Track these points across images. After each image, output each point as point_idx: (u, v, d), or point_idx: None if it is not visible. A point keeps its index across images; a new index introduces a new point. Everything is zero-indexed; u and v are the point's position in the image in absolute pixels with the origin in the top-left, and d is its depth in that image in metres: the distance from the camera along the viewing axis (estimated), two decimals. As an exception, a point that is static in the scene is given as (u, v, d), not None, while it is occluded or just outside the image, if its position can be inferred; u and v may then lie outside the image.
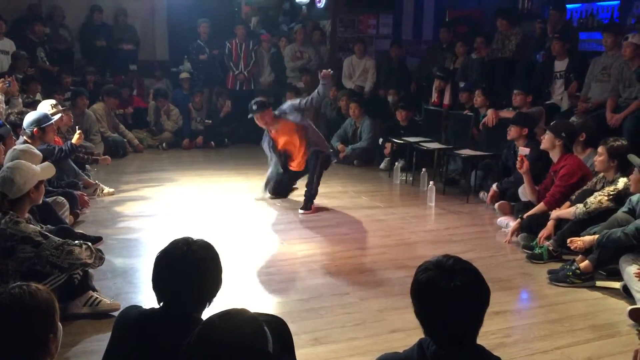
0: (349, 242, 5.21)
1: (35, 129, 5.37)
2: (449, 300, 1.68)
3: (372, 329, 3.60)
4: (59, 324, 1.76)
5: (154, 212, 5.97)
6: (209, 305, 2.17)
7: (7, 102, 6.49)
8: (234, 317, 1.56)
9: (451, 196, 6.75)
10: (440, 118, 7.94)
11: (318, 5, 10.52)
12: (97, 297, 3.65)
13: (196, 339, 1.53)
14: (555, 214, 4.85)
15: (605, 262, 4.23)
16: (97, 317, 3.59)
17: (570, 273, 4.27)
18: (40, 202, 3.66)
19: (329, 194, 6.85)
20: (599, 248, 4.16)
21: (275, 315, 1.81)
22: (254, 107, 6.11)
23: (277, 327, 1.74)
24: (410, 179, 7.43)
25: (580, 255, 4.34)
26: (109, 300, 3.70)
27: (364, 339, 3.47)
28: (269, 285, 4.31)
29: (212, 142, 9.56)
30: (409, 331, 3.47)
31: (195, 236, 2.22)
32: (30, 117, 5.46)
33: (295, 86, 9.56)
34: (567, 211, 4.73)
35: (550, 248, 4.72)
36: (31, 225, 3.39)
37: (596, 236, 4.19)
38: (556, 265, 4.54)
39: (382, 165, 8.18)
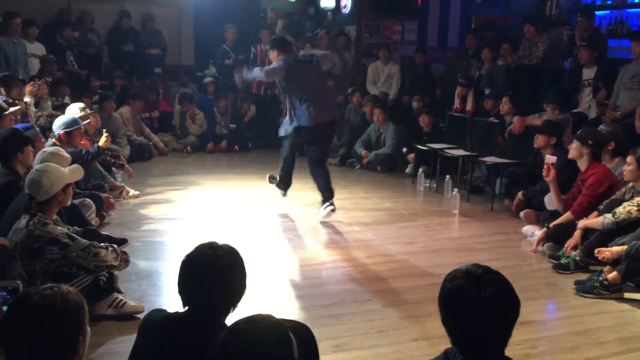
0: (371, 249, 5.19)
1: (62, 133, 5.46)
2: (478, 310, 1.65)
3: (394, 336, 3.58)
4: (88, 326, 1.78)
5: (178, 215, 6.01)
6: (233, 310, 2.18)
7: (36, 105, 6.61)
8: (259, 323, 1.56)
9: (475, 204, 6.69)
10: (464, 125, 7.89)
11: (343, 10, 10.53)
12: (122, 299, 3.69)
13: (222, 344, 1.53)
14: (582, 223, 4.78)
15: (634, 274, 4.14)
16: (121, 318, 3.62)
17: (598, 284, 4.20)
18: (68, 204, 3.71)
19: (352, 199, 6.85)
20: (628, 259, 4.09)
21: (300, 322, 1.81)
22: (273, 43, 6.08)
23: (302, 334, 1.74)
24: (434, 185, 7.38)
25: (608, 266, 4.26)
26: (133, 303, 3.73)
27: (386, 346, 3.45)
28: (291, 290, 4.31)
29: (236, 147, 9.62)
30: (432, 340, 3.45)
31: (219, 240, 2.23)
32: (59, 120, 5.55)
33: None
34: (594, 221, 4.65)
35: (577, 258, 4.65)
36: (59, 227, 3.44)
37: (625, 247, 4.13)
38: (583, 276, 4.47)
39: (407, 170, 8.15)
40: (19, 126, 5.11)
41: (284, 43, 6.10)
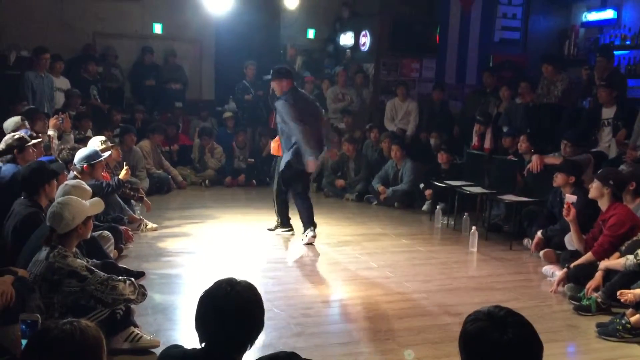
0: (388, 286, 5.14)
1: (85, 165, 5.54)
2: (500, 353, 1.62)
3: (412, 377, 3.52)
4: (106, 361, 1.78)
5: (196, 248, 6.03)
6: (250, 347, 2.16)
7: (59, 138, 6.73)
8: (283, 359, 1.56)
9: (494, 242, 6.63)
10: (483, 162, 7.87)
11: (362, 48, 10.68)
12: (138, 333, 3.67)
13: None
14: (604, 264, 4.70)
15: (658, 317, 4.06)
16: (137, 353, 3.61)
17: (620, 327, 4.10)
18: (88, 237, 3.74)
19: (369, 235, 6.82)
20: (651, 302, 4.00)
21: None
22: (271, 73, 6.27)
23: None
24: (452, 223, 7.33)
25: (630, 309, 4.17)
26: (149, 337, 3.71)
27: (403, 387, 3.40)
28: (307, 327, 4.26)
29: (254, 181, 9.67)
30: (450, 381, 3.39)
31: (236, 275, 2.23)
32: (81, 153, 5.63)
33: (337, 127, 9.65)
34: (616, 262, 4.58)
35: (599, 300, 4.56)
36: (78, 260, 3.46)
37: (648, 289, 4.05)
38: (605, 318, 4.37)
39: (424, 207, 8.11)
40: (43, 159, 5.20)
41: (289, 72, 6.36)
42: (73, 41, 9.84)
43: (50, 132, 6.48)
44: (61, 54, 8.61)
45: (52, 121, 6.61)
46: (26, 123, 6.01)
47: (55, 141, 6.46)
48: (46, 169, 4.52)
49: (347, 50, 11.09)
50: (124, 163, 6.56)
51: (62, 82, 8.41)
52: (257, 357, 1.63)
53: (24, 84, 7.63)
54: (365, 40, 10.61)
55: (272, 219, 7.03)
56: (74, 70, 9.09)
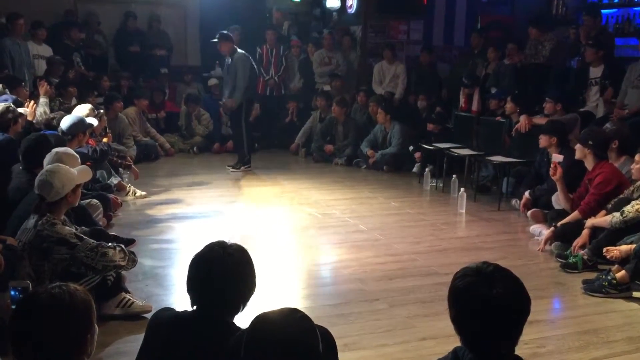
0: (378, 248, 5.18)
1: (80, 134, 5.46)
2: (489, 308, 1.65)
3: (401, 336, 3.57)
4: (96, 325, 1.79)
5: (185, 215, 6.02)
6: (243, 309, 2.18)
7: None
8: (288, 314, 1.59)
9: (482, 203, 6.67)
10: (471, 124, 7.87)
11: (349, 11, 10.52)
12: (129, 299, 3.70)
13: (252, 331, 1.55)
14: (590, 222, 4.76)
15: (643, 273, 4.12)
16: (129, 318, 3.63)
17: (606, 283, 4.18)
18: (77, 204, 3.72)
19: (359, 199, 6.85)
20: (636, 258, 4.07)
21: (322, 325, 1.82)
22: (217, 36, 7.88)
23: (325, 335, 1.75)
24: (441, 185, 7.36)
25: (616, 265, 4.24)
26: (141, 302, 3.74)
27: (393, 345, 3.45)
28: (299, 290, 4.32)
29: (242, 147, 9.60)
30: (439, 339, 3.44)
31: (225, 239, 2.23)
32: (67, 121, 5.52)
33: (323, 90, 9.58)
34: (603, 220, 4.63)
35: (585, 257, 4.62)
36: (67, 227, 3.45)
37: (633, 246, 4.11)
38: (591, 275, 4.45)
39: (414, 169, 8.12)
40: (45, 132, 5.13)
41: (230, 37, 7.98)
42: (53, 7, 9.60)
43: (43, 99, 6.36)
44: (42, 21, 8.40)
45: (43, 87, 6.45)
46: (7, 90, 5.90)
47: (47, 109, 6.32)
48: (50, 145, 4.44)
49: (334, 13, 10.92)
50: (106, 129, 6.49)
51: (44, 50, 8.22)
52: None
53: (2, 52, 7.45)
54: (352, 2, 10.43)
55: (261, 184, 7.05)
56: (55, 37, 8.89)
